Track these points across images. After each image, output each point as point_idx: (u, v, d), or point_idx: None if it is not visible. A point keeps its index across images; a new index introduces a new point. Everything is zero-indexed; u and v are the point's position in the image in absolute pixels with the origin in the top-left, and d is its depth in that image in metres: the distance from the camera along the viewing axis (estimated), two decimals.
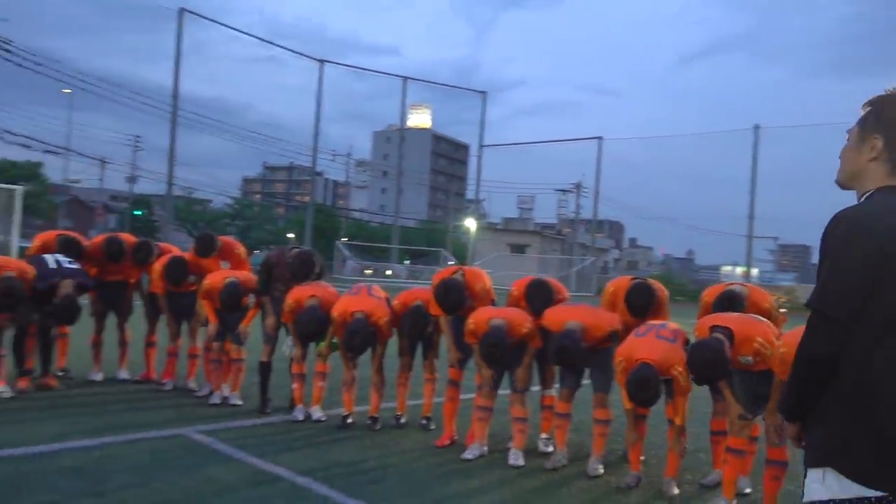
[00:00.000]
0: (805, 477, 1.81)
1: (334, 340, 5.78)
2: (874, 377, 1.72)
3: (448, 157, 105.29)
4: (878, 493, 1.68)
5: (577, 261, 53.58)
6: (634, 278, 5.25)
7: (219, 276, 6.19)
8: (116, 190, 71.60)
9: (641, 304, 4.98)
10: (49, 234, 6.81)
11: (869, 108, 1.93)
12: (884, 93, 1.90)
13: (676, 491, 4.48)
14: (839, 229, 1.79)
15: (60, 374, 6.71)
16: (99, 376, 6.81)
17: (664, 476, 4.58)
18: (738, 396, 4.17)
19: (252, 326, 6.31)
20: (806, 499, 1.79)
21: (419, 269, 54.80)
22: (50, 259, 6.06)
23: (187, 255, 6.62)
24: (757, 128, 37.60)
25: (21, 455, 4.38)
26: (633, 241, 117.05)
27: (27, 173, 43.60)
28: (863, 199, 1.89)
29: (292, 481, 4.24)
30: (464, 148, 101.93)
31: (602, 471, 4.80)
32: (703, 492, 4.57)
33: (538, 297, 5.18)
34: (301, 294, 5.65)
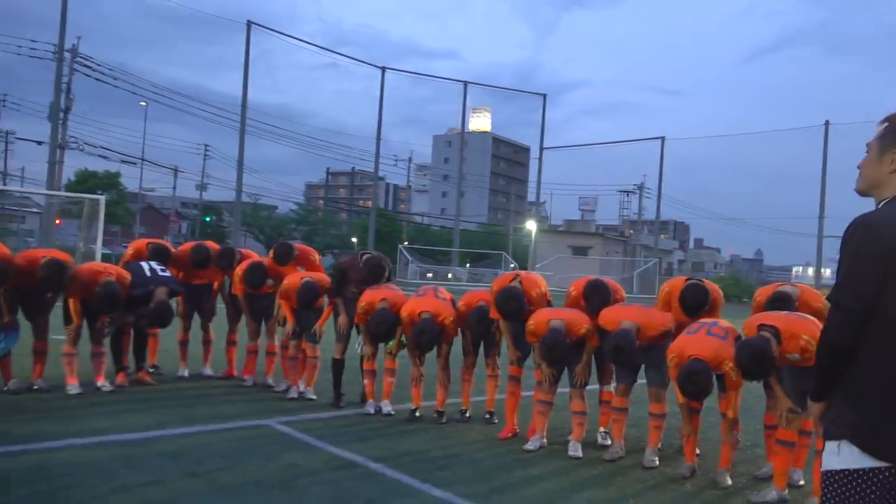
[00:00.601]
0: (823, 448, 2.07)
1: (403, 339, 6.17)
2: (887, 364, 1.97)
3: (508, 159, 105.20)
4: (885, 464, 1.92)
5: (640, 262, 53.00)
6: (689, 278, 5.45)
7: (297, 276, 6.65)
8: (187, 197, 74.27)
9: (695, 303, 5.19)
10: (141, 242, 7.44)
11: (887, 125, 2.17)
12: None
13: (730, 482, 4.68)
14: (856, 233, 2.04)
15: (151, 370, 7.28)
16: (185, 372, 7.37)
17: (718, 467, 4.79)
18: (787, 391, 4.36)
19: (326, 326, 6.75)
20: (823, 468, 2.04)
21: (480, 272, 55.17)
22: (145, 266, 6.63)
23: (266, 261, 7.11)
24: (827, 124, 36.63)
25: (125, 440, 4.89)
26: (699, 241, 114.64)
27: (106, 182, 45.73)
28: (881, 206, 2.13)
29: (366, 466, 4.63)
30: (524, 150, 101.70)
31: (657, 462, 5.03)
32: (756, 483, 4.75)
33: (595, 297, 5.44)
34: (373, 297, 6.05)
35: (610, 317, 5.20)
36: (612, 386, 5.55)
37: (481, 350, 6.24)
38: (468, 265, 55.15)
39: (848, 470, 1.97)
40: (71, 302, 6.20)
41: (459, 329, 6.11)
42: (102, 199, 20.32)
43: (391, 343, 6.18)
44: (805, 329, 4.15)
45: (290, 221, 70.02)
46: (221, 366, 7.53)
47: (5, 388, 6.09)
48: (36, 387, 6.21)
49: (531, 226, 52.61)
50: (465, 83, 47.74)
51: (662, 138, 43.83)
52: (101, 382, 6.43)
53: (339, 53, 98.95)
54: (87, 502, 3.69)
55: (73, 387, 6.21)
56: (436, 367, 6.19)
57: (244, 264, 7.08)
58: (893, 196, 2.10)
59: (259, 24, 39.07)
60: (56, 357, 6.36)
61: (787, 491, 4.41)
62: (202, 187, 64.00)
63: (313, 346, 6.70)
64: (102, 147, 42.82)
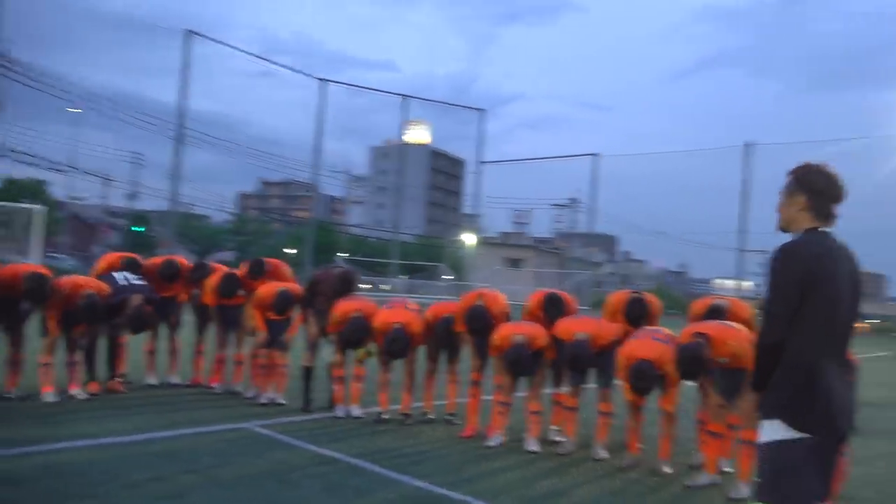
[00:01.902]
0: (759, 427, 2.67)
1: (369, 348, 6.64)
2: (806, 357, 2.59)
3: (445, 172, 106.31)
4: (806, 435, 2.53)
5: (573, 275, 54.50)
6: (633, 292, 6.13)
7: (271, 286, 7.04)
8: (114, 206, 72.27)
9: (638, 314, 5.87)
10: (113, 256, 7.71)
11: (792, 176, 2.82)
12: (801, 164, 2.80)
13: (668, 469, 5.34)
14: (781, 256, 2.67)
15: (119, 378, 7.52)
16: (154, 380, 7.64)
17: (658, 458, 5.45)
18: (716, 389, 5.04)
19: (295, 335, 7.16)
20: (760, 441, 2.65)
21: (417, 283, 55.65)
22: (119, 276, 6.92)
23: (238, 273, 7.47)
24: (747, 145, 38.69)
25: (117, 443, 5.21)
26: (626, 254, 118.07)
27: (30, 191, 44.30)
28: (797, 237, 2.77)
29: (348, 462, 5.09)
30: (460, 163, 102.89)
31: (606, 455, 5.66)
32: (690, 471, 5.43)
33: (552, 308, 6.06)
34: (347, 308, 6.51)
35: (565, 327, 5.82)
36: (565, 388, 6.16)
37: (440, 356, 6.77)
38: (405, 276, 55.54)
39: (779, 441, 2.57)
40: (50, 314, 6.43)
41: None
42: (38, 208, 19.97)
43: (360, 351, 6.64)
44: (733, 337, 4.85)
45: (224, 232, 69.04)
46: (188, 374, 7.82)
47: None
48: (10, 396, 6.40)
49: (468, 238, 53.45)
50: (404, 96, 48.30)
51: (596, 155, 45.33)
52: (75, 391, 6.66)
53: (279, 65, 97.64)
54: (100, 497, 4.04)
55: (48, 395, 6.43)
56: (401, 374, 6.68)
57: (217, 275, 7.42)
58: (805, 229, 2.75)
59: (198, 33, 38.74)
60: (32, 366, 6.57)
61: (717, 475, 5.09)
62: (133, 196, 62.52)
63: (282, 355, 7.09)
64: (28, 154, 41.57)
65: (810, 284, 2.58)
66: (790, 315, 2.58)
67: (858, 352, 3.82)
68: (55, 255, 45.75)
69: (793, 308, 2.58)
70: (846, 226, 2.92)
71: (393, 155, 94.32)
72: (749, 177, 39.53)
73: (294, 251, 61.47)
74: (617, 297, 6.23)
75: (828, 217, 2.75)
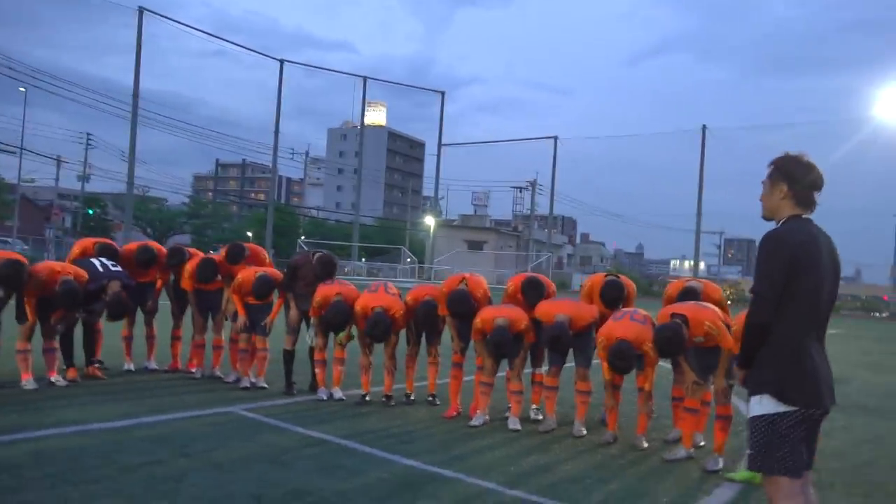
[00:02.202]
0: (748, 402, 2.87)
1: (351, 332, 6.73)
2: (792, 334, 2.78)
3: (404, 154, 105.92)
4: (794, 408, 2.73)
5: (532, 256, 55.10)
6: (608, 275, 6.33)
7: (250, 271, 7.07)
8: (66, 189, 70.46)
9: (615, 296, 6.08)
10: (87, 241, 7.62)
11: (773, 166, 3.00)
12: (781, 155, 2.98)
13: (646, 444, 5.58)
14: (769, 242, 2.85)
15: (97, 364, 7.48)
16: (131, 366, 7.62)
17: (636, 433, 5.69)
18: (692, 367, 5.28)
19: (275, 320, 7.21)
20: (750, 415, 2.84)
21: (378, 266, 55.63)
22: (97, 262, 6.87)
23: (216, 258, 7.47)
24: (704, 128, 39.51)
25: (105, 428, 5.23)
26: (585, 236, 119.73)
27: None
28: (780, 224, 2.95)
29: (337, 443, 5.20)
30: (420, 145, 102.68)
31: (585, 432, 5.88)
32: (666, 445, 5.68)
33: (532, 292, 6.22)
34: (328, 291, 6.59)
35: (545, 310, 5.99)
36: (544, 368, 6.36)
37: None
38: (364, 259, 55.47)
39: (768, 414, 2.76)
40: (27, 301, 6.37)
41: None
42: None
43: (341, 335, 6.73)
44: (708, 317, 5.08)
45: (181, 215, 67.90)
46: (165, 360, 7.82)
47: None
48: None
49: (429, 221, 53.54)
50: (365, 78, 48.02)
51: (555, 138, 45.76)
52: (55, 377, 6.63)
53: (239, 45, 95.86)
54: (99, 481, 4.08)
55: (28, 382, 6.38)
56: (382, 356, 6.79)
57: (195, 260, 7.41)
58: (788, 216, 2.94)
59: (152, 11, 37.87)
60: (8, 354, 6.51)
61: (693, 449, 5.35)
62: (84, 178, 60.96)
63: (263, 339, 7.14)
64: None
65: (795, 269, 2.76)
66: (777, 298, 2.76)
67: None
68: (6, 239, 44.49)
69: (779, 291, 2.76)
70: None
71: (351, 137, 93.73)
72: (705, 159, 40.44)
73: (250, 234, 60.82)
74: (594, 279, 6.43)
75: (809, 204, 2.95)
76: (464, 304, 6.17)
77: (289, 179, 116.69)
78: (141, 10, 36.99)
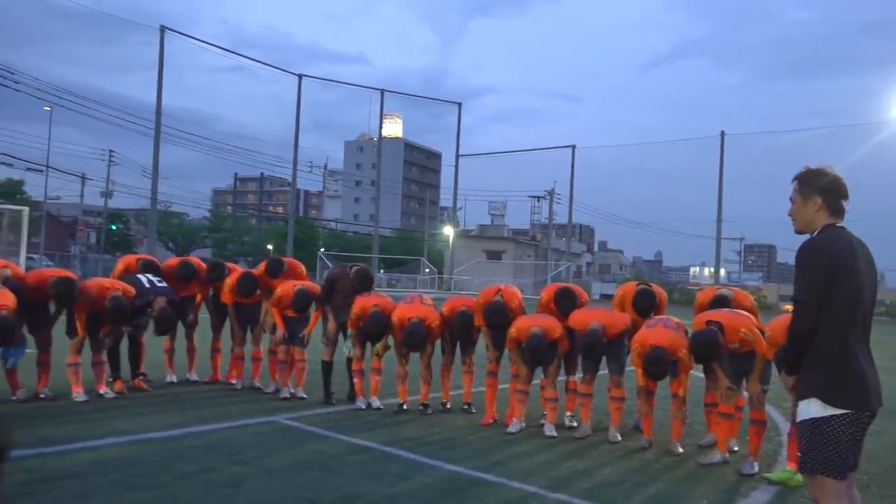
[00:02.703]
0: (796, 406, 2.99)
1: (389, 342, 6.92)
2: (837, 338, 2.90)
3: (420, 165, 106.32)
4: (842, 411, 2.84)
5: (552, 266, 55.11)
6: (639, 284, 6.48)
7: (289, 285, 7.28)
8: (89, 205, 71.50)
9: (647, 305, 6.22)
10: (130, 258, 7.90)
11: (800, 181, 3.13)
12: (805, 169, 3.13)
13: (681, 449, 5.70)
14: (806, 252, 2.99)
15: (142, 376, 7.72)
16: (173, 378, 7.85)
17: (670, 439, 5.81)
18: (726, 373, 5.41)
19: (312, 331, 7.42)
20: (798, 419, 2.96)
21: (397, 276, 55.89)
22: (143, 279, 7.11)
23: (256, 272, 7.70)
24: (723, 134, 39.43)
25: (157, 438, 5.44)
26: (602, 244, 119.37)
27: (8, 191, 43.80)
28: (816, 234, 3.09)
29: (381, 450, 5.38)
30: (436, 156, 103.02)
31: (620, 438, 6.01)
32: (701, 450, 5.80)
33: (565, 301, 6.38)
34: (366, 303, 6.78)
35: (578, 318, 6.15)
36: (578, 376, 6.50)
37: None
38: (383, 271, 55.74)
39: (816, 418, 2.88)
40: (78, 316, 6.61)
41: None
42: (26, 210, 19.90)
43: (378, 345, 6.91)
44: (743, 324, 5.21)
45: (202, 229, 68.58)
46: (206, 372, 8.04)
47: (13, 398, 6.45)
48: (42, 395, 6.59)
49: (448, 231, 53.71)
50: (382, 91, 48.41)
51: (573, 147, 45.84)
52: (103, 390, 6.87)
53: (257, 61, 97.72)
54: (160, 487, 4.29)
55: (79, 394, 6.63)
56: (418, 366, 6.97)
57: (234, 275, 7.65)
58: (823, 226, 3.08)
59: (173, 30, 38.51)
60: (58, 367, 6.76)
61: (728, 454, 5.47)
62: (107, 194, 61.90)
63: (301, 350, 7.34)
64: (5, 154, 41.12)
65: (834, 276, 2.89)
66: (819, 305, 2.87)
67: None
68: (32, 256, 45.21)
69: (820, 298, 2.87)
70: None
71: (368, 149, 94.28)
72: (724, 165, 40.33)
73: (270, 247, 61.31)
74: (626, 288, 6.58)
75: (840, 213, 3.09)
76: (500, 315, 6.34)
77: (306, 192, 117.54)
78: (163, 29, 37.62)
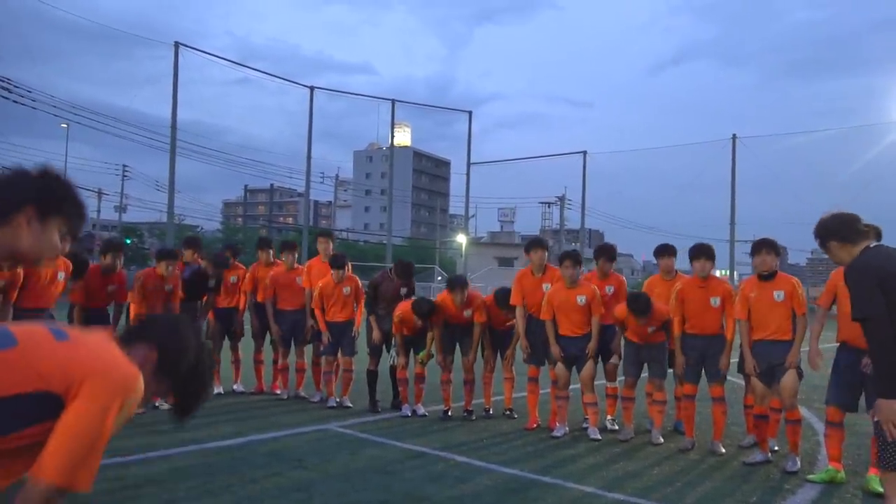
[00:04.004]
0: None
1: (432, 351, 7.15)
2: None
3: (429, 173, 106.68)
4: None
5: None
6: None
7: (406, 303, 7.18)
8: (106, 220, 72.15)
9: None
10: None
11: (824, 237, 3.44)
12: (821, 224, 3.45)
13: (723, 450, 5.90)
14: (852, 272, 3.18)
15: None
16: (220, 389, 8.09)
17: (712, 440, 6.02)
18: (759, 379, 5.60)
19: (359, 342, 7.67)
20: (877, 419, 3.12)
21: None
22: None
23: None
24: (735, 137, 39.48)
25: (221, 447, 5.67)
26: None
27: None
28: (857, 257, 3.29)
29: (436, 454, 5.60)
30: (445, 164, 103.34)
31: (662, 440, 6.22)
32: (741, 451, 6.00)
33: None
34: (406, 305, 7.03)
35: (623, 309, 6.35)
36: (619, 380, 6.71)
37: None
38: None
39: None
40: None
41: (480, 340, 7.11)
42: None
43: (422, 353, 7.14)
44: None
45: (216, 242, 68.95)
46: (250, 383, 8.29)
47: None
48: None
49: (461, 239, 53.89)
50: (393, 101, 48.69)
51: (584, 153, 45.98)
52: (158, 402, 7.10)
53: (268, 74, 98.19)
54: (235, 492, 4.51)
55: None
56: (461, 374, 7.19)
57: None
58: (861, 250, 3.29)
59: (187, 45, 38.94)
60: None
61: (769, 453, 5.66)
62: (122, 209, 62.44)
63: (349, 360, 7.58)
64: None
65: (885, 286, 3.07)
66: (884, 312, 2.96)
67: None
68: None
69: (884, 307, 2.96)
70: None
71: (377, 158, 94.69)
72: (736, 168, 40.35)
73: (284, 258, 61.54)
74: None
75: (865, 235, 3.34)
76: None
77: (316, 202, 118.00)
78: (177, 45, 38.03)
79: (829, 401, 5.13)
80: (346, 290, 7.53)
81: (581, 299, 6.34)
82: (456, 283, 7.02)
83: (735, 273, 52.48)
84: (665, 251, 6.77)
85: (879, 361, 3.01)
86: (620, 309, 6.34)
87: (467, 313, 6.94)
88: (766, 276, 5.59)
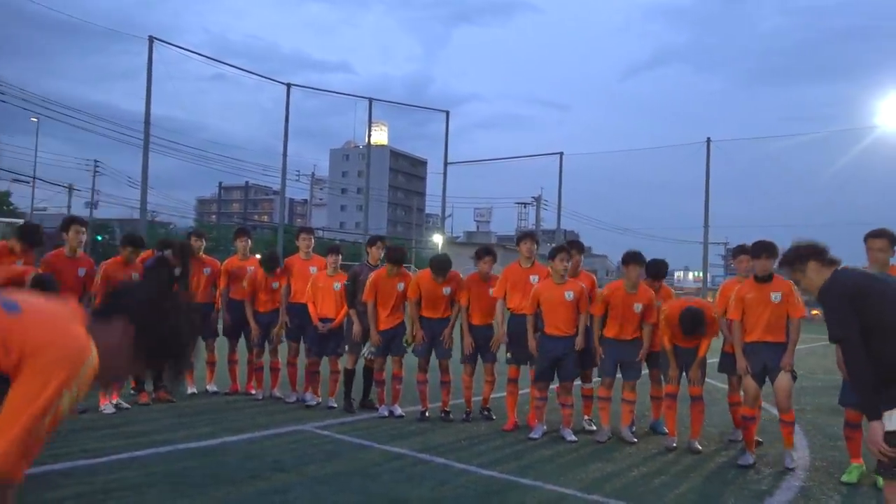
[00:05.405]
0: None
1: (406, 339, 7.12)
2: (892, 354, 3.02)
3: (406, 172, 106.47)
4: None
5: None
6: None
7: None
8: (77, 216, 71.02)
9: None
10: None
11: (792, 261, 3.46)
12: (786, 251, 3.52)
13: (700, 448, 5.97)
14: (823, 295, 3.20)
15: (163, 388, 7.83)
16: (194, 390, 7.97)
17: (690, 438, 6.10)
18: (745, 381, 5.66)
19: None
20: (887, 428, 3.12)
21: None
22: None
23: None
24: (709, 140, 39.91)
25: (197, 448, 5.58)
26: (587, 250, 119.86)
27: None
28: (829, 277, 3.31)
29: (415, 456, 5.56)
30: (421, 164, 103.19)
31: (635, 439, 6.26)
32: (718, 452, 6.05)
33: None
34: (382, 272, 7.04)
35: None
36: (594, 381, 6.74)
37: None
38: None
39: None
40: None
41: (461, 340, 7.07)
42: (20, 222, 19.85)
43: (406, 337, 7.07)
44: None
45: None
46: (225, 383, 8.17)
47: None
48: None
49: (437, 238, 53.87)
50: (371, 99, 48.43)
51: (561, 154, 46.15)
52: (118, 401, 6.94)
53: (245, 70, 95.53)
54: (210, 494, 4.43)
55: (107, 407, 6.75)
56: (438, 373, 7.15)
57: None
58: (831, 273, 3.31)
59: (161, 40, 38.41)
60: None
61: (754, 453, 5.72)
62: (92, 204, 61.47)
63: (335, 360, 7.52)
64: None
65: (859, 302, 3.05)
66: (857, 334, 2.99)
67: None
68: None
69: (856, 329, 3.00)
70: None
71: (353, 157, 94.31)
72: (710, 171, 40.80)
73: (258, 256, 61.02)
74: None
75: (832, 261, 3.37)
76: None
77: (292, 200, 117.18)
78: (151, 39, 37.47)
79: (846, 403, 5.18)
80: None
81: (569, 294, 6.34)
82: (438, 264, 7.10)
83: (707, 275, 53.04)
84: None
85: (855, 382, 3.07)
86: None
87: (447, 290, 6.91)
88: (764, 278, 5.63)
